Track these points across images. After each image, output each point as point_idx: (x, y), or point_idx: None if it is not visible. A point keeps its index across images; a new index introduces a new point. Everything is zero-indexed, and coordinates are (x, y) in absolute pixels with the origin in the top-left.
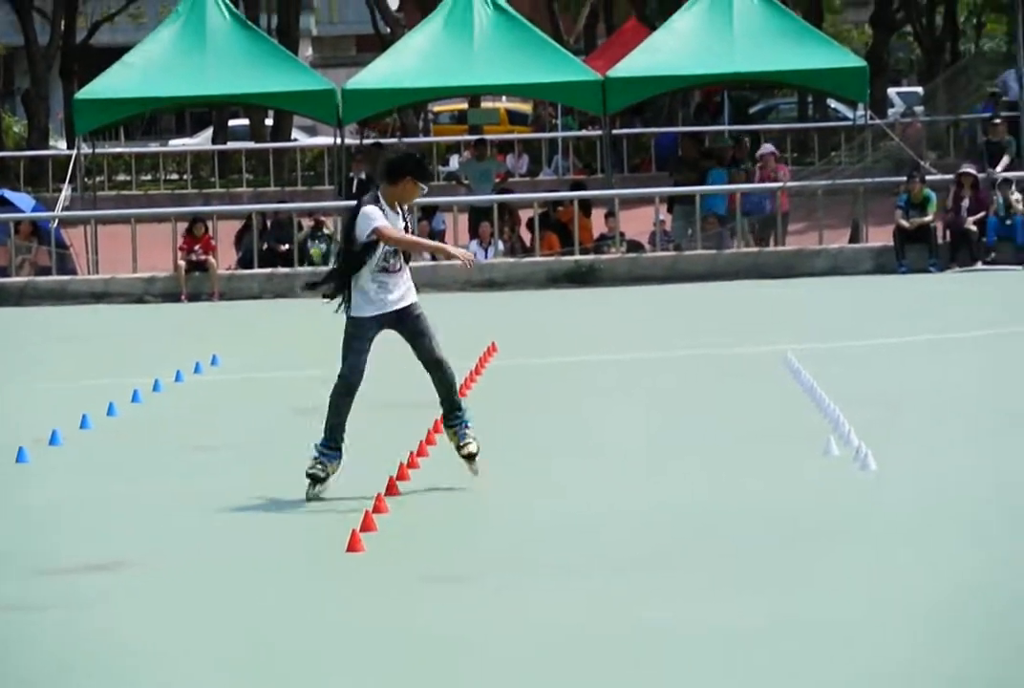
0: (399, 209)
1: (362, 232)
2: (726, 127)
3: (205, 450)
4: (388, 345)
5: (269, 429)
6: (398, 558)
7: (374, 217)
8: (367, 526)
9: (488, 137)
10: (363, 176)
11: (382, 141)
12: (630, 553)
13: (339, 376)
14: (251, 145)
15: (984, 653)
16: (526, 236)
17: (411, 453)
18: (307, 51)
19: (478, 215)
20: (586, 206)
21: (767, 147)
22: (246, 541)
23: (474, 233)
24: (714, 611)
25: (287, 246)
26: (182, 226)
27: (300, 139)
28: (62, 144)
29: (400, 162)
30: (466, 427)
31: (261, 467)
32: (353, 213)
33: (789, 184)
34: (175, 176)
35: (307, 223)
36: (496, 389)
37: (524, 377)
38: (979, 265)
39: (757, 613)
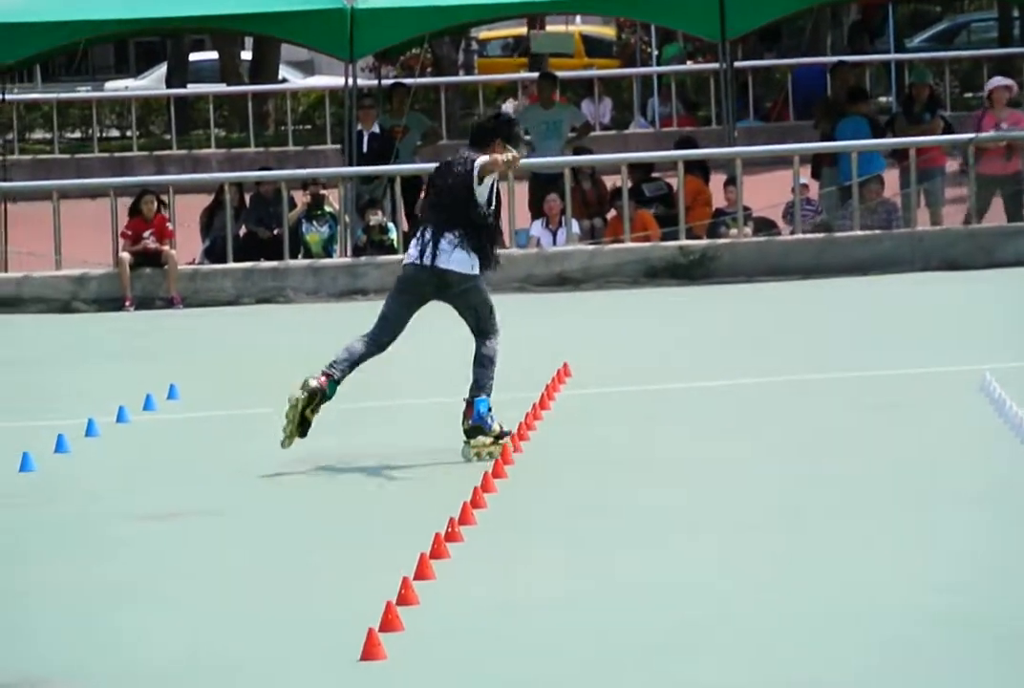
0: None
1: (480, 182)
2: (892, 56)
3: (155, 520)
4: None
5: (247, 486)
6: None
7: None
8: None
9: (557, 74)
10: (376, 129)
11: (407, 81)
12: None
13: (497, 332)
14: (221, 88)
15: None
16: (610, 213)
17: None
18: None
19: (543, 184)
20: (703, 170)
21: (999, 80)
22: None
23: (537, 210)
24: None
25: (275, 230)
26: (125, 203)
27: (291, 80)
28: None
29: (488, 124)
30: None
31: (236, 544)
32: (454, 169)
33: (983, 136)
34: (115, 133)
35: (301, 198)
36: (569, 429)
37: (609, 413)
38: None
39: None
